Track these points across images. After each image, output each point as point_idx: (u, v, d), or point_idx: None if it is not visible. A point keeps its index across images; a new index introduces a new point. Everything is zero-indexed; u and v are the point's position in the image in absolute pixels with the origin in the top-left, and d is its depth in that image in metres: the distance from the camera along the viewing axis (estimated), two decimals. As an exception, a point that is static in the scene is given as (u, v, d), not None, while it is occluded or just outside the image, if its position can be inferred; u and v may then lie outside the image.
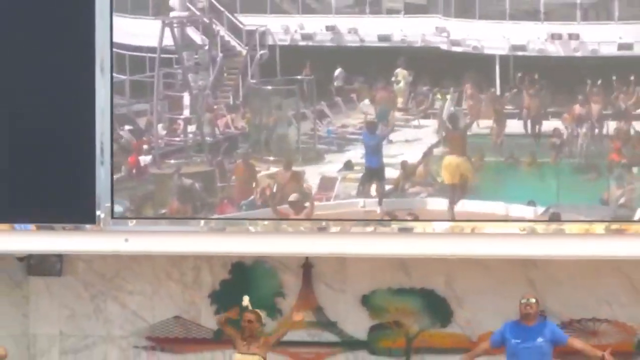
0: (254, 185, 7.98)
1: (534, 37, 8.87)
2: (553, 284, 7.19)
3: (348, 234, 7.12)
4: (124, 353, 7.94)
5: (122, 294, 7.94)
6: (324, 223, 7.13)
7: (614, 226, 6.89)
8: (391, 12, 8.95)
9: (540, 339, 5.88)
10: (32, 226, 7.05)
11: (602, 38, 8.72)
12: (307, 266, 7.70)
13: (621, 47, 8.67)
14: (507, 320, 6.11)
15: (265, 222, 7.29)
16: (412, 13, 8.90)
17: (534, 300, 5.92)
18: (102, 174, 7.01)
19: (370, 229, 7.08)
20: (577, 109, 8.06)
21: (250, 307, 6.15)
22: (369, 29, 8.79)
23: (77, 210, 7.04)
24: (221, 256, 7.65)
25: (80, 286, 7.94)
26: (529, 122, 8.16)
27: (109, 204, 6.99)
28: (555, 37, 8.78)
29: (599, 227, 6.80)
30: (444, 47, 8.89)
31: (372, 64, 8.60)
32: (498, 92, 8.42)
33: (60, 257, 7.71)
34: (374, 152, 7.81)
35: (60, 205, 7.06)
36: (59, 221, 7.07)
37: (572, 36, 8.77)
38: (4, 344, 6.60)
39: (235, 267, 7.73)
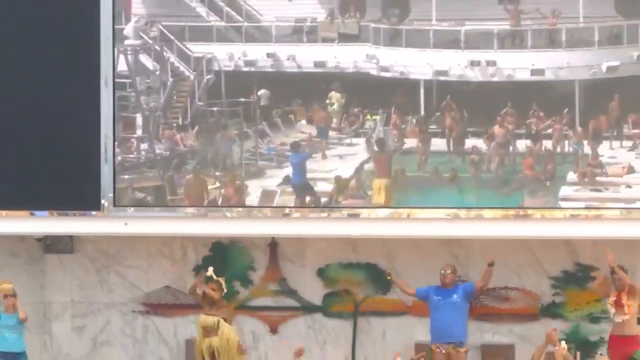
0: (205, 197, 8.69)
1: (455, 63, 9.70)
2: (473, 259, 7.99)
3: (307, 218, 8.09)
4: (124, 317, 8.73)
5: (122, 268, 8.73)
6: (287, 210, 8.02)
7: (522, 212, 7.86)
8: (326, 40, 9.78)
9: (455, 296, 7.10)
10: (47, 213, 7.93)
11: (517, 64, 9.62)
12: (273, 245, 8.51)
13: (534, 72, 9.63)
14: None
15: (239, 209, 8.10)
16: (345, 42, 9.75)
17: (449, 271, 7.15)
18: (106, 170, 7.82)
19: (324, 214, 7.91)
20: (496, 129, 8.82)
21: (214, 277, 6.95)
22: (305, 56, 9.65)
23: (86, 199, 7.87)
24: (203, 237, 8.45)
25: (88, 262, 8.76)
26: (451, 141, 8.91)
27: (111, 195, 7.80)
28: (474, 63, 9.60)
29: (511, 212, 7.79)
30: (374, 72, 9.64)
31: (308, 88, 9.44)
32: (423, 114, 9.35)
33: (71, 238, 8.58)
34: (297, 170, 8.53)
35: (71, 195, 7.91)
36: (70, 208, 7.92)
37: (489, 63, 9.64)
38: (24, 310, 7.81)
39: (214, 246, 8.50)
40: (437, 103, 9.58)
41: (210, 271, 6.89)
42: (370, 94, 9.62)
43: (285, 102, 9.44)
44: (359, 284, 8.43)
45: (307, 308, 8.41)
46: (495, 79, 9.63)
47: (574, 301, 8.06)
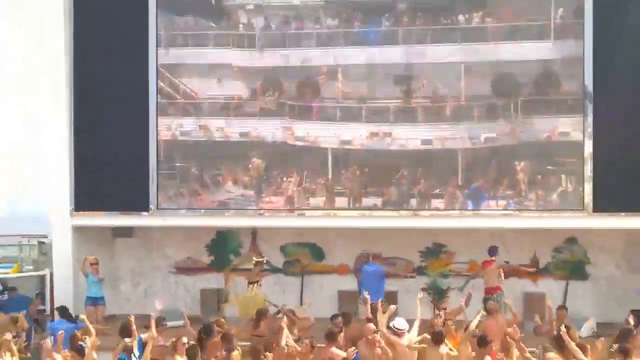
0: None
1: (358, 134, 10.85)
2: (382, 241, 10.35)
3: (274, 216, 10.29)
4: (163, 276, 10.97)
5: (161, 246, 11.04)
6: (261, 211, 10.22)
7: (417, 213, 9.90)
8: (249, 114, 10.90)
9: (373, 269, 9.42)
10: (117, 212, 10.16)
11: (409, 136, 10.74)
12: (254, 232, 10.95)
13: (423, 142, 10.75)
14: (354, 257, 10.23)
15: (232, 210, 10.25)
16: (265, 116, 10.89)
17: (368, 254, 9.66)
18: (153, 187, 10.10)
19: (284, 214, 10.16)
20: (392, 189, 10.20)
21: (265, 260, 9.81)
22: (232, 128, 10.85)
23: (140, 204, 10.12)
24: (211, 227, 10.77)
25: (141, 243, 11.08)
26: (352, 199, 10.35)
27: (155, 202, 10.06)
28: (373, 135, 10.72)
29: (408, 213, 9.90)
30: (290, 142, 10.79)
31: (234, 155, 10.76)
32: (330, 176, 10.53)
33: (131, 228, 10.87)
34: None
35: (131, 202, 10.15)
36: (131, 209, 10.19)
37: (386, 134, 10.77)
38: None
39: (218, 233, 10.90)
40: (343, 167, 10.85)
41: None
42: (286, 160, 10.91)
43: (215, 167, 10.78)
44: (305, 255, 11.00)
45: (274, 270, 10.83)
46: (391, 147, 10.79)
47: (432, 265, 10.64)
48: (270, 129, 10.93)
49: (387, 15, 10.92)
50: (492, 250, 9.62)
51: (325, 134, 10.88)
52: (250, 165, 10.72)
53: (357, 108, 10.96)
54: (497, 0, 10.31)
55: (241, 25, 11.04)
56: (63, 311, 8.70)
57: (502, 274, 9.35)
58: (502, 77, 10.52)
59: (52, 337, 7.79)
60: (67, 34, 10.30)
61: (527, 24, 10.15)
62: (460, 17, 10.51)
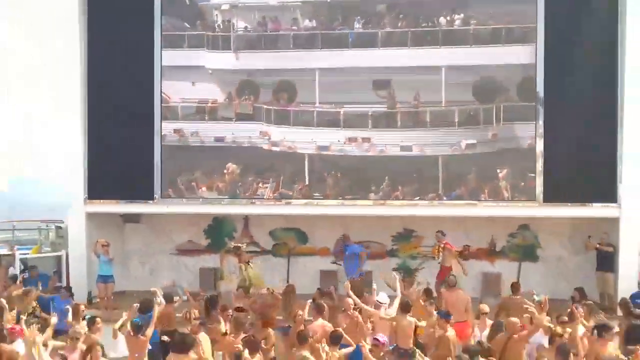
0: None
1: (335, 140, 10.39)
2: (358, 226, 10.62)
3: (264, 204, 10.43)
4: (167, 257, 11.27)
5: (167, 231, 11.38)
6: (253, 200, 10.33)
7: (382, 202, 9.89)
8: (225, 119, 10.42)
9: (352, 250, 9.67)
10: (125, 201, 10.47)
11: (388, 141, 10.30)
12: (246, 219, 11.19)
13: (403, 149, 10.31)
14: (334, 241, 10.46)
15: (227, 199, 10.35)
16: (241, 120, 10.37)
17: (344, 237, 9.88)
18: (157, 180, 10.31)
19: (272, 202, 10.35)
20: (371, 195, 10.03)
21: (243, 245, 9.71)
22: (207, 132, 10.42)
23: (146, 193, 10.37)
24: (209, 214, 11.02)
25: (148, 227, 11.45)
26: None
27: (159, 191, 10.31)
28: (351, 140, 10.34)
29: (382, 202, 9.90)
30: (266, 146, 10.31)
31: (209, 160, 10.42)
32: (307, 182, 10.18)
33: (139, 214, 11.20)
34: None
35: (139, 191, 10.42)
36: (138, 199, 10.50)
37: (364, 140, 10.36)
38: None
39: (214, 219, 11.20)
40: (319, 173, 10.44)
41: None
42: (262, 165, 10.58)
43: (189, 172, 10.40)
44: (291, 239, 11.25)
45: (265, 252, 11.16)
46: (370, 153, 10.43)
47: (403, 248, 11.04)
48: (246, 134, 10.51)
49: (367, 17, 10.44)
50: (443, 234, 9.92)
51: (302, 139, 10.47)
52: (225, 171, 10.31)
53: (335, 113, 10.47)
54: (477, 5, 9.99)
55: (217, 27, 10.50)
56: (68, 290, 8.89)
57: (458, 257, 9.75)
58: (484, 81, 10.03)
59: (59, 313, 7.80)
60: (82, 54, 10.43)
61: (508, 27, 9.82)
62: (442, 20, 10.05)
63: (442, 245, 9.76)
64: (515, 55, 9.89)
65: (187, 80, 10.35)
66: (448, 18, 10.15)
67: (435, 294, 8.14)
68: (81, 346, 5.83)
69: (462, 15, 9.99)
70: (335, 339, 5.98)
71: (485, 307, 7.58)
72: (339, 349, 5.90)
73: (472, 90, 10.09)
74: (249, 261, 9.57)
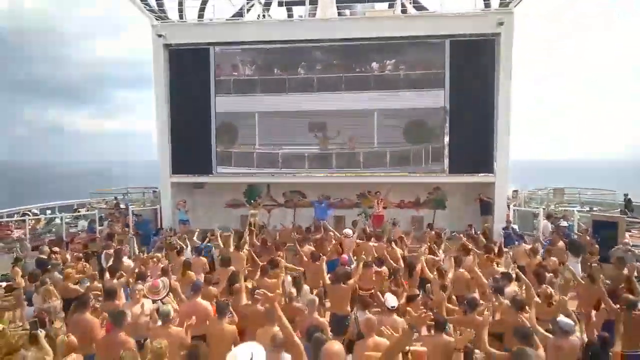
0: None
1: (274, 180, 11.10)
2: (336, 189, 12.39)
3: (280, 176, 11.68)
4: (222, 209, 13.06)
5: (222, 193, 13.19)
6: (272, 174, 11.57)
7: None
8: None
9: (322, 204, 11.24)
10: (194, 174, 12.11)
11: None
12: (268, 185, 12.76)
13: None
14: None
15: (256, 174, 11.69)
16: None
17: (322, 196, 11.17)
18: (214, 159, 11.84)
19: (285, 175, 11.69)
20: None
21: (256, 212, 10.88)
22: None
23: (206, 168, 11.96)
24: (245, 183, 12.70)
25: (208, 192, 13.14)
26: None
27: (215, 168, 11.86)
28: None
29: (352, 174, 11.34)
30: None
31: None
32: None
33: (203, 183, 12.71)
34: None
35: (205, 167, 11.91)
36: (202, 173, 12.12)
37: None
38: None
39: (248, 186, 13.03)
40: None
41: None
42: None
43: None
44: (295, 197, 12.94)
45: (279, 205, 13.13)
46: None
47: (363, 202, 12.92)
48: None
49: (303, 63, 10.76)
50: (378, 193, 11.50)
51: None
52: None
53: (273, 154, 11.24)
54: (407, 52, 10.65)
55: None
56: (157, 231, 10.71)
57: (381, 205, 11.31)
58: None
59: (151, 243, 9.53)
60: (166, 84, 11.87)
61: (436, 72, 10.72)
62: (374, 65, 10.85)
63: (377, 201, 11.74)
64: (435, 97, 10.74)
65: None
66: (380, 64, 10.50)
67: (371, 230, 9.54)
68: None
69: (393, 60, 10.61)
70: (314, 256, 6.97)
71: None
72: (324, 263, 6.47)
73: (403, 132, 10.87)
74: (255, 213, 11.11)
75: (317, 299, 4.82)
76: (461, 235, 9.03)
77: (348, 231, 8.56)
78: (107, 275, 6.58)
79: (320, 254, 6.80)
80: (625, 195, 13.77)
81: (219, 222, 10.85)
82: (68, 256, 8.24)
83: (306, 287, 6.12)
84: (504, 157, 11.31)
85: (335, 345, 2.59)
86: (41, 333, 4.14)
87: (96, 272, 7.01)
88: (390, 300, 4.60)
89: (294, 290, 5.33)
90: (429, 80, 10.67)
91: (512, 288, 5.65)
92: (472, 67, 10.91)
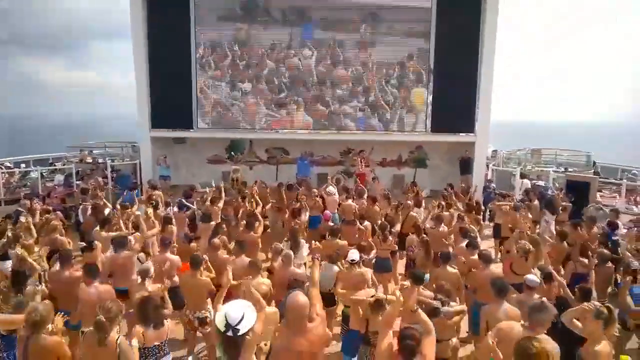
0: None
1: None
2: (319, 146, 12.38)
3: (262, 132, 11.67)
4: (204, 164, 12.89)
5: (201, 148, 13.02)
6: (255, 129, 11.79)
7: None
8: None
9: (304, 161, 11.42)
10: (175, 129, 12.06)
11: None
12: (251, 141, 12.68)
13: None
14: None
15: (239, 129, 11.86)
16: None
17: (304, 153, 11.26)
18: (195, 115, 11.90)
19: (267, 131, 11.71)
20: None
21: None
22: None
23: (188, 123, 12.04)
24: (227, 137, 12.51)
25: (190, 145, 13.10)
26: None
27: (195, 123, 11.93)
28: None
29: (334, 131, 11.81)
30: None
31: None
32: None
33: (184, 138, 12.85)
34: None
35: (184, 122, 12.07)
36: (182, 127, 12.13)
37: None
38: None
39: (231, 141, 12.73)
40: None
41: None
42: None
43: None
44: (278, 154, 12.83)
45: (262, 161, 12.92)
46: None
47: (347, 160, 12.78)
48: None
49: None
50: (362, 152, 11.81)
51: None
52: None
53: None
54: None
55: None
56: (134, 184, 9.89)
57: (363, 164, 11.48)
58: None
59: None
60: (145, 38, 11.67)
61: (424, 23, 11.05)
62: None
63: (360, 159, 11.86)
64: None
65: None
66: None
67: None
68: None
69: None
70: (297, 212, 6.98)
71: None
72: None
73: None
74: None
75: (292, 253, 4.85)
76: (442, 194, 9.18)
77: (331, 189, 8.49)
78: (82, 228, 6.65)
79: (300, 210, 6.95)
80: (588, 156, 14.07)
81: (202, 179, 10.88)
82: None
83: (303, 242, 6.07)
84: (486, 117, 11.72)
85: (300, 297, 2.60)
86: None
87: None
88: (351, 254, 4.66)
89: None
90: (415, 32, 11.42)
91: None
92: (458, 22, 11.29)
